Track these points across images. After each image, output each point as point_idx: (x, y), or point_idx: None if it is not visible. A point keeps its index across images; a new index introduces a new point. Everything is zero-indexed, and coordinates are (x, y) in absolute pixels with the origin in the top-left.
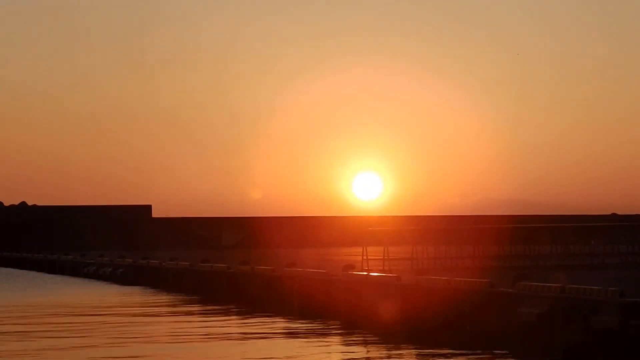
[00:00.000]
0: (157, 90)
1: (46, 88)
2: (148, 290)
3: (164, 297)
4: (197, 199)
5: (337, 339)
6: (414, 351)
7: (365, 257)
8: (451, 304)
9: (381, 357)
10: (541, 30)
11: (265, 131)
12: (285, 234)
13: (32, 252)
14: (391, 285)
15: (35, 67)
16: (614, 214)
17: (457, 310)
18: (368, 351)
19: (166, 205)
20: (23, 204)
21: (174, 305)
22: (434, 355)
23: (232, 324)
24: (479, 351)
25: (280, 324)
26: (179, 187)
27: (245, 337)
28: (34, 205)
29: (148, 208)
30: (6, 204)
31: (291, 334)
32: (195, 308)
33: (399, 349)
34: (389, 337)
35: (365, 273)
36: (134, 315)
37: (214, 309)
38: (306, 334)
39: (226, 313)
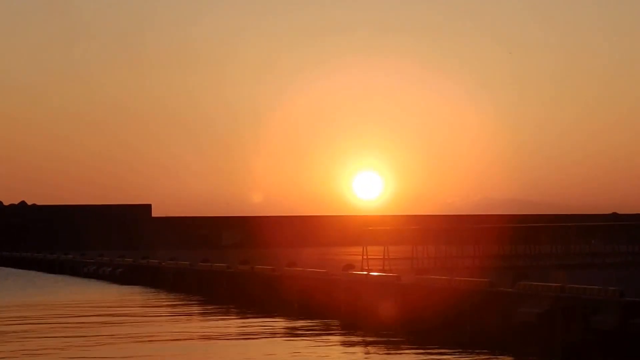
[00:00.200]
0: (157, 89)
1: (46, 87)
2: (148, 290)
3: (163, 297)
4: (197, 199)
5: (337, 338)
6: (414, 351)
7: (365, 257)
8: (451, 304)
9: (381, 357)
10: (542, 30)
11: (265, 130)
12: (286, 234)
13: (32, 251)
14: (391, 284)
15: (35, 66)
16: (614, 214)
17: (457, 310)
18: (368, 351)
19: (166, 204)
20: (23, 203)
21: (174, 305)
22: (433, 355)
23: (232, 324)
24: (479, 351)
25: (280, 323)
26: (179, 187)
27: (245, 336)
28: (34, 205)
29: (148, 207)
30: (6, 203)
31: (291, 334)
32: (195, 308)
33: (399, 348)
34: (389, 337)
35: (365, 273)
36: (134, 315)
37: (214, 309)
38: (306, 334)
39: (226, 313)
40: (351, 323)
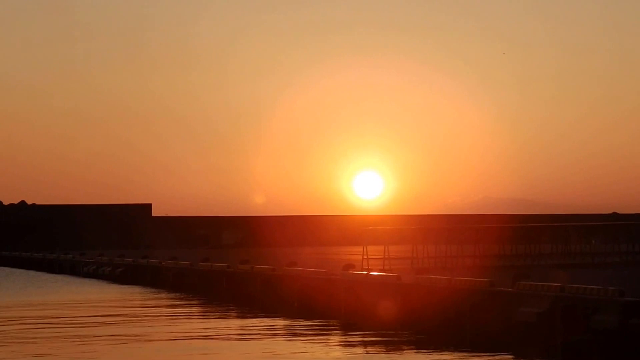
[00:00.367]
0: (158, 89)
1: (46, 87)
2: (148, 290)
3: (163, 297)
4: (197, 198)
5: (337, 338)
6: (414, 351)
7: (365, 257)
8: (451, 304)
9: (381, 357)
10: (543, 29)
11: (265, 129)
12: (286, 233)
13: (32, 251)
14: (391, 284)
15: (35, 65)
16: (614, 213)
17: (457, 310)
18: (368, 351)
19: (166, 204)
20: (22, 203)
21: (174, 305)
22: (434, 355)
23: (232, 324)
24: (479, 351)
25: (280, 323)
26: (179, 186)
27: (245, 336)
28: (34, 205)
29: (148, 207)
30: (5, 203)
31: (291, 334)
32: (195, 308)
33: (399, 348)
34: (389, 337)
35: (365, 272)
36: (134, 314)
37: (214, 309)
38: (306, 334)
39: (226, 313)
40: (351, 323)
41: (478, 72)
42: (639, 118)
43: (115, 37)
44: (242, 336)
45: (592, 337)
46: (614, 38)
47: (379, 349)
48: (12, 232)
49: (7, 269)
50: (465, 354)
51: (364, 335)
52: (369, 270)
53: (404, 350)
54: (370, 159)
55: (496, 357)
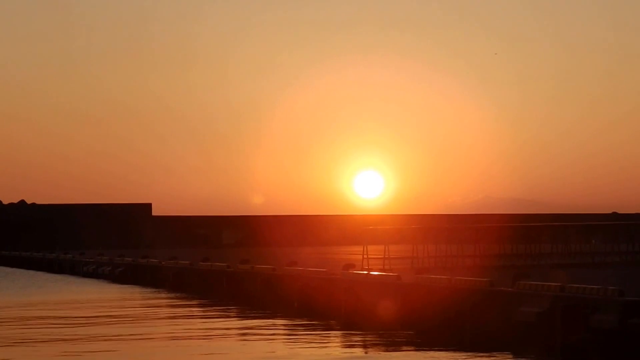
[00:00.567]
0: (158, 88)
1: (46, 86)
2: (147, 290)
3: (163, 297)
4: (197, 198)
5: (337, 338)
6: (414, 351)
7: (365, 256)
8: (451, 304)
9: (381, 357)
10: (544, 28)
11: (266, 129)
12: (286, 233)
13: (32, 250)
14: (391, 284)
15: (35, 64)
16: (614, 213)
17: (457, 309)
18: (368, 351)
19: (166, 203)
20: (22, 202)
21: (174, 305)
22: (434, 355)
23: (232, 324)
24: (478, 350)
25: (280, 323)
26: (179, 186)
27: (245, 336)
28: (33, 204)
29: (148, 206)
30: (5, 202)
31: (291, 333)
32: (195, 307)
33: (399, 348)
34: (389, 336)
35: (365, 272)
36: (134, 314)
37: (214, 309)
38: (306, 333)
39: (226, 312)
40: (351, 323)
41: (479, 71)
42: (639, 118)
43: (115, 37)
44: (242, 336)
45: (591, 336)
46: (614, 37)
47: (379, 349)
48: (12, 231)
49: (7, 269)
50: (465, 353)
51: (364, 335)
52: (369, 270)
53: (404, 350)
54: (371, 159)
55: (496, 357)
